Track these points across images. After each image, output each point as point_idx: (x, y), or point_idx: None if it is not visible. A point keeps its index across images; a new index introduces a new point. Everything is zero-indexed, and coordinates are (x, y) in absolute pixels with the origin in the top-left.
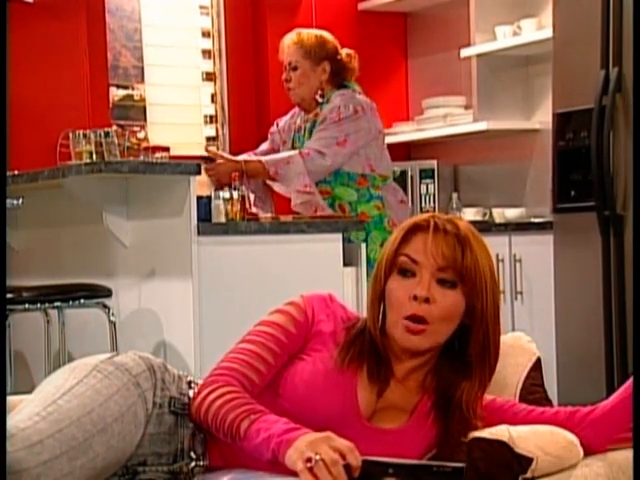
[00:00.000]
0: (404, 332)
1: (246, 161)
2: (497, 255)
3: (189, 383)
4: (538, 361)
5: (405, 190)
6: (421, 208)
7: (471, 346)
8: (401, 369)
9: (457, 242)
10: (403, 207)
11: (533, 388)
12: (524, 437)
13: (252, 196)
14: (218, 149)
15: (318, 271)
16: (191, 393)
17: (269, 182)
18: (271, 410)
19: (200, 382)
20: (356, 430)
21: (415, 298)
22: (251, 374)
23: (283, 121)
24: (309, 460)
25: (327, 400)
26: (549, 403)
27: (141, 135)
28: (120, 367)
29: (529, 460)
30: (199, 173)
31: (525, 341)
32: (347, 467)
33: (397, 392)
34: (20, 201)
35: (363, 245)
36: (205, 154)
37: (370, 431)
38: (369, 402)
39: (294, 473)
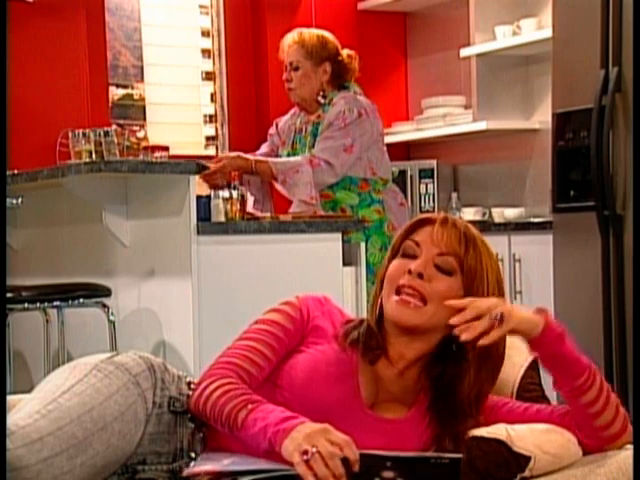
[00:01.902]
0: (396, 305)
1: (257, 160)
2: (497, 255)
3: (188, 384)
4: (535, 360)
5: (404, 190)
6: (420, 208)
7: (468, 346)
8: (398, 360)
9: (463, 237)
10: (402, 210)
11: (530, 387)
12: (522, 436)
13: (251, 198)
14: (217, 149)
15: (318, 271)
16: (190, 393)
17: (274, 183)
18: (271, 401)
19: None
20: (358, 418)
21: (410, 272)
22: (249, 367)
23: (282, 122)
24: (306, 453)
25: (329, 388)
26: (546, 401)
27: (141, 134)
28: (120, 367)
29: (527, 459)
30: (199, 172)
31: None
32: (345, 461)
33: (397, 386)
34: (19, 200)
35: (363, 245)
36: (205, 153)
37: (372, 419)
38: (370, 393)
39: (291, 463)
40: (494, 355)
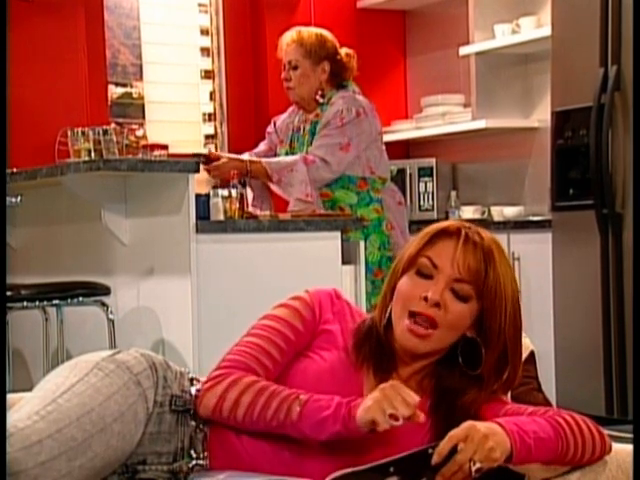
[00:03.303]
0: (406, 332)
1: (251, 161)
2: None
3: (191, 380)
4: (531, 355)
5: (404, 188)
6: (420, 206)
7: (484, 364)
8: (404, 369)
9: (483, 257)
10: (401, 209)
11: (525, 380)
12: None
13: (250, 195)
14: (217, 147)
15: (317, 269)
16: (193, 390)
17: (269, 184)
18: None
19: (202, 379)
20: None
21: (426, 299)
22: (258, 368)
23: (280, 120)
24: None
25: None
26: (541, 394)
27: (140, 133)
28: (121, 365)
29: (521, 476)
30: (198, 171)
31: None
32: None
33: None
34: (19, 199)
35: (362, 243)
36: (201, 151)
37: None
38: None
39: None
40: (512, 371)
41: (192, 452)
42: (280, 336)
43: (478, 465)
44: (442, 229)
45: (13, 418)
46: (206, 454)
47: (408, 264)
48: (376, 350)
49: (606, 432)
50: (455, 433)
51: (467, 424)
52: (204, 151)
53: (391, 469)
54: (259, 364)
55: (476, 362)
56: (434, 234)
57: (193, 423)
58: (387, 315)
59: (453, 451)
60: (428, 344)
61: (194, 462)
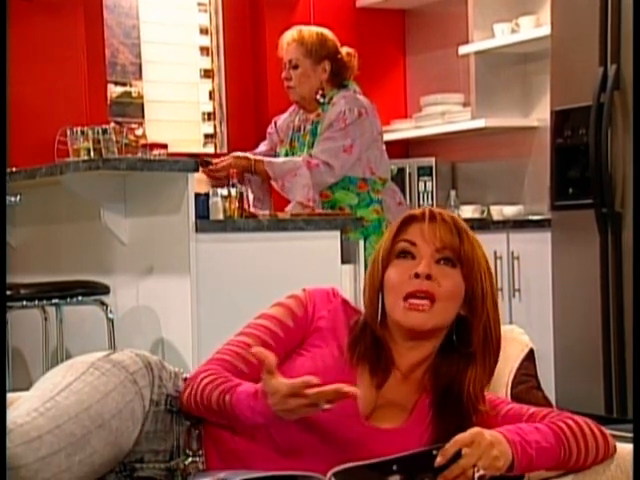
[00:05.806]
0: (406, 311)
1: (256, 160)
2: (495, 252)
3: (185, 380)
4: (531, 352)
5: (403, 188)
6: (419, 206)
7: (473, 336)
8: (403, 364)
9: (454, 228)
10: (401, 209)
11: (524, 377)
12: None
13: (251, 196)
14: (216, 146)
15: (316, 268)
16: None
17: (272, 182)
18: None
19: None
20: (355, 430)
21: (417, 276)
22: (240, 365)
23: (281, 120)
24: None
25: None
26: (541, 392)
27: (139, 132)
28: (117, 364)
29: (521, 475)
30: (197, 170)
31: (518, 333)
32: None
33: (397, 390)
34: (18, 198)
35: (361, 242)
36: (203, 151)
37: (369, 430)
38: (368, 401)
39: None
40: (495, 340)
41: (188, 450)
42: (269, 333)
43: (481, 472)
44: (408, 216)
45: (12, 415)
46: (202, 452)
47: (387, 256)
48: (372, 349)
49: (609, 433)
50: (461, 437)
51: (474, 430)
52: (208, 153)
53: (394, 467)
54: (245, 362)
55: (467, 342)
56: (402, 222)
57: (188, 422)
58: (380, 313)
59: (457, 455)
60: (432, 317)
61: (190, 460)
